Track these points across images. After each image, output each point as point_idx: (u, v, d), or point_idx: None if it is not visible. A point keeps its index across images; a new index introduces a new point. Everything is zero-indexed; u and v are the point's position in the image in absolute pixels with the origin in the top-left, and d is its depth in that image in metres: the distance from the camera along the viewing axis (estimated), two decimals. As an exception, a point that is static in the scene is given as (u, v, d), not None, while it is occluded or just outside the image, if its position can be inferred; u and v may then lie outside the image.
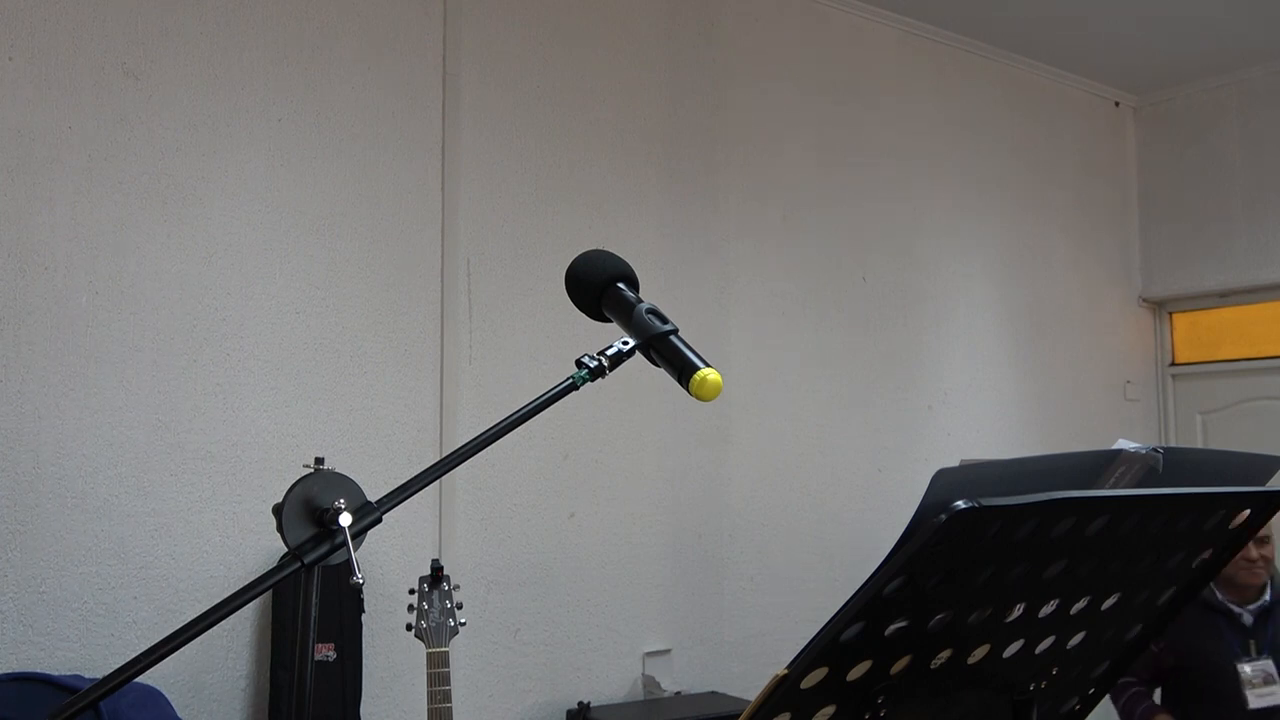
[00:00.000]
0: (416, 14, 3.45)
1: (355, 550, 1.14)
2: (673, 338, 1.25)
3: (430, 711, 2.56)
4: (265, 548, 3.03)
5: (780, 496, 4.11)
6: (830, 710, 1.11)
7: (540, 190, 3.65)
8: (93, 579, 2.79)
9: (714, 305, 4.02)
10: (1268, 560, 3.30)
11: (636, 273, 1.35)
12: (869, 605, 1.01)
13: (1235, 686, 3.19)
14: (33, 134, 2.80)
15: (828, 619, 1.02)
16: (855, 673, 1.09)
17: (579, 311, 1.34)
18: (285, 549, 1.13)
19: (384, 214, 3.33)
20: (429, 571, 2.65)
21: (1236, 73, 5.29)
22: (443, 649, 2.59)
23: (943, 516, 0.96)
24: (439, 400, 3.37)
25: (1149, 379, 5.59)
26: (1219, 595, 3.29)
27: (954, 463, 1.19)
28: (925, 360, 4.64)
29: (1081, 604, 1.25)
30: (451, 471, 1.22)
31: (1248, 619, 3.27)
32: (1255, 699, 3.18)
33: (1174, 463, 1.27)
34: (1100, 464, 1.24)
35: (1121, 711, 3.32)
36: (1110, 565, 1.23)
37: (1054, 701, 1.39)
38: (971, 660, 1.20)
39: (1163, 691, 3.40)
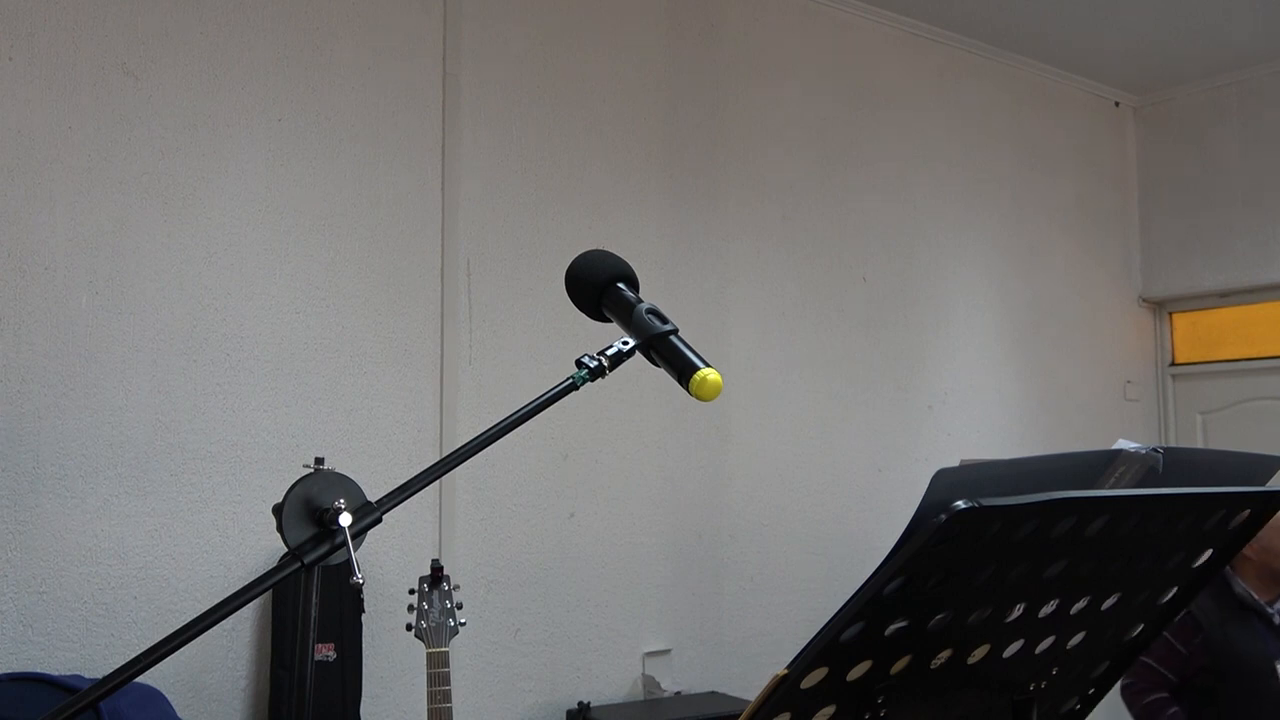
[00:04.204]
0: (416, 14, 3.45)
1: (355, 550, 1.14)
2: (673, 338, 1.25)
3: (430, 711, 2.56)
4: (265, 548, 3.03)
5: (780, 496, 4.11)
6: (830, 710, 1.11)
7: (540, 190, 3.65)
8: (93, 579, 2.79)
9: (714, 305, 4.02)
10: None
11: (636, 273, 1.35)
12: (869, 605, 1.01)
13: (1273, 686, 3.09)
14: (33, 134, 2.80)
15: (828, 619, 1.02)
16: (855, 673, 1.09)
17: (579, 312, 1.34)
18: (285, 549, 1.13)
19: (384, 214, 3.33)
20: (429, 571, 2.65)
21: (1236, 73, 5.29)
22: (443, 649, 2.59)
23: (943, 516, 0.96)
24: (439, 400, 3.37)
25: (1149, 379, 5.59)
26: (1252, 594, 3.20)
27: (954, 463, 1.19)
28: (925, 360, 4.64)
29: (1081, 604, 1.25)
30: (451, 471, 1.22)
31: (1278, 618, 3.18)
32: None
33: (1174, 463, 1.27)
34: (1100, 464, 1.24)
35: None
36: (1110, 565, 1.23)
37: (1054, 701, 1.39)
38: (971, 660, 1.20)
39: (1183, 694, 3.25)
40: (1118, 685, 2.80)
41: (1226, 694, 3.17)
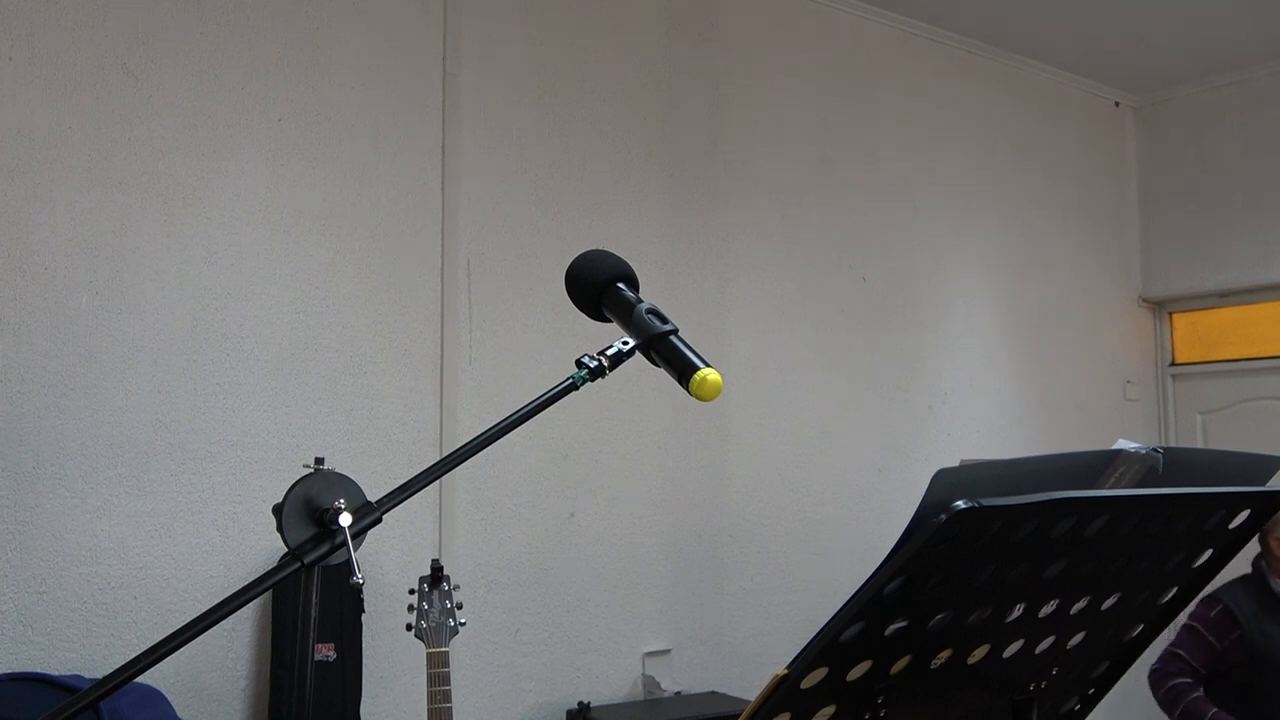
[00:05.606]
0: (416, 14, 3.45)
1: (355, 550, 1.14)
2: (673, 338, 1.25)
3: (430, 711, 2.56)
4: (265, 548, 3.03)
5: (780, 496, 4.11)
6: (830, 710, 1.11)
7: (540, 190, 3.65)
8: (93, 579, 2.79)
9: (714, 305, 4.02)
10: None
11: (636, 273, 1.35)
12: (869, 605, 1.01)
13: None
14: (33, 134, 2.80)
15: (828, 619, 1.02)
16: (855, 673, 1.09)
17: (579, 311, 1.34)
18: (285, 549, 1.13)
19: (384, 214, 3.33)
20: (429, 571, 2.65)
21: (1236, 73, 5.29)
22: (443, 649, 2.59)
23: (943, 516, 0.96)
24: (439, 400, 3.37)
25: (1149, 379, 5.59)
26: None
27: (954, 463, 1.19)
28: (925, 360, 4.64)
29: (1081, 604, 1.25)
30: (451, 471, 1.22)
31: None
32: None
33: (1174, 463, 1.27)
34: (1100, 464, 1.24)
35: (1176, 706, 3.21)
36: (1110, 565, 1.23)
37: (1054, 701, 1.39)
38: (971, 660, 1.20)
39: (1212, 688, 3.27)
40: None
41: (1265, 690, 3.18)
